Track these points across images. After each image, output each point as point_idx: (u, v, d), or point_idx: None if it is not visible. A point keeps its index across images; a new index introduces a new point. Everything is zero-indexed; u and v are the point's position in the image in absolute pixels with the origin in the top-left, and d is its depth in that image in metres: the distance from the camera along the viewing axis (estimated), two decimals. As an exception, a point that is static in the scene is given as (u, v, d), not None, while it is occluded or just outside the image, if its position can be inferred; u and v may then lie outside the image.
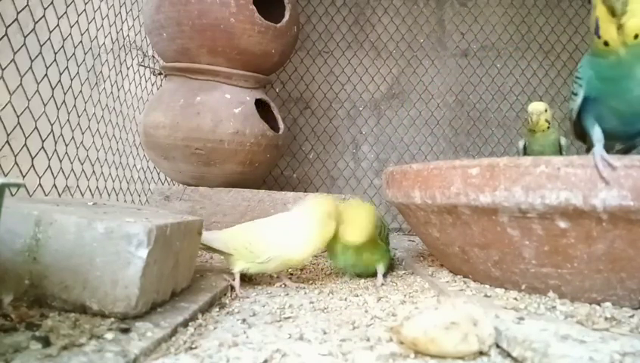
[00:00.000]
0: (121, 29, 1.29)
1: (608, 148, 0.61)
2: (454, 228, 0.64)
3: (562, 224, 0.53)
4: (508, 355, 0.43)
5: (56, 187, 0.96)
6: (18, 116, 0.83)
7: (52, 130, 0.94)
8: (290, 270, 0.80)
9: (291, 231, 0.67)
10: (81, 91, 1.08)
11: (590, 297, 0.56)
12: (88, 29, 1.09)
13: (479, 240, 0.61)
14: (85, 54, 1.11)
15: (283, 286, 0.71)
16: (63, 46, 0.98)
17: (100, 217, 0.49)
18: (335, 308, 0.59)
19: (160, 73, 1.20)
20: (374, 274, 0.77)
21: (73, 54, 1.04)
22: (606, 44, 0.54)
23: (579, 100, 0.63)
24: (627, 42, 0.52)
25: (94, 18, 1.13)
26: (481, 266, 0.64)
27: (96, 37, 1.17)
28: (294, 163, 1.64)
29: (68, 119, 1.01)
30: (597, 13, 0.53)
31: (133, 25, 1.35)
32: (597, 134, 0.59)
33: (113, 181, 1.24)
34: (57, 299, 0.47)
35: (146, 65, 1.36)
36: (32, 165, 0.89)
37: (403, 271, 0.84)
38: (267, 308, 0.58)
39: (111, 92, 1.27)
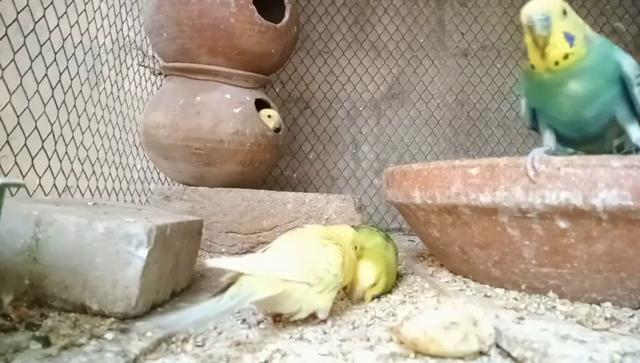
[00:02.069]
0: (121, 29, 1.29)
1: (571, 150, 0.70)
2: (454, 228, 0.64)
3: (562, 224, 0.53)
4: (508, 355, 0.43)
5: (56, 187, 0.96)
6: (18, 116, 0.83)
7: (52, 130, 0.94)
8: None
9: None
10: (81, 91, 1.08)
11: (590, 297, 0.56)
12: (88, 29, 1.09)
13: (479, 240, 0.61)
14: (85, 54, 1.11)
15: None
16: (63, 46, 0.97)
17: (100, 217, 0.49)
18: (335, 308, 0.59)
19: (160, 73, 1.19)
20: None
21: (73, 54, 1.04)
22: (532, 66, 0.61)
23: (523, 108, 0.69)
24: (550, 68, 0.58)
25: (94, 18, 1.13)
26: (481, 266, 0.64)
27: (96, 37, 1.16)
28: (294, 163, 1.64)
29: (68, 119, 1.01)
30: (526, 40, 0.60)
31: (133, 25, 1.35)
32: (546, 138, 0.66)
33: (113, 181, 1.23)
34: (57, 299, 0.47)
35: (146, 65, 1.36)
36: (32, 165, 0.89)
37: (403, 271, 0.84)
38: (267, 308, 0.58)
39: (111, 92, 1.27)
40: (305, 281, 0.49)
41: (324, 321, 0.52)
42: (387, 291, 0.67)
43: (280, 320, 0.52)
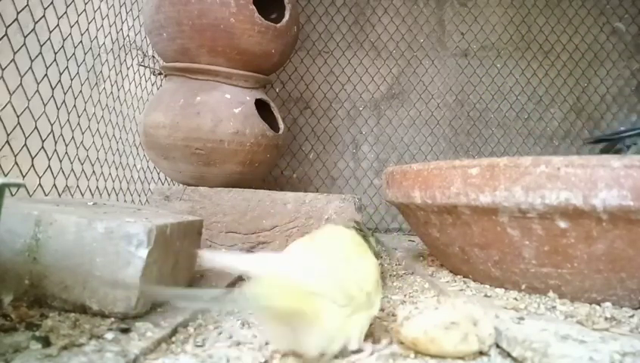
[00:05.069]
0: (121, 29, 1.29)
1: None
2: (454, 228, 0.64)
3: (562, 224, 0.53)
4: (508, 355, 0.43)
5: (56, 187, 0.96)
6: (18, 116, 0.83)
7: (52, 130, 0.94)
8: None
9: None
10: (81, 91, 1.08)
11: (590, 297, 0.56)
12: (88, 29, 1.09)
13: (479, 240, 0.61)
14: (85, 54, 1.11)
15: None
16: (63, 46, 0.97)
17: (100, 217, 0.49)
18: (335, 308, 0.59)
19: (160, 73, 1.19)
20: None
21: (73, 54, 1.04)
22: None
23: None
24: None
25: (94, 18, 1.13)
26: (481, 266, 0.64)
27: (96, 37, 1.16)
28: (294, 163, 1.64)
29: (68, 119, 1.01)
30: None
31: (133, 25, 1.35)
32: None
33: (113, 181, 1.23)
34: (57, 299, 0.47)
35: (146, 65, 1.36)
36: (32, 165, 0.89)
37: (403, 271, 0.84)
38: (267, 308, 0.58)
39: (111, 92, 1.27)
40: (333, 300, 0.36)
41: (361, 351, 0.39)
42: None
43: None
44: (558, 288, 0.57)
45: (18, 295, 0.47)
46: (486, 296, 0.60)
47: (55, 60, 0.95)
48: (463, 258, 0.67)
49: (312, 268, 0.38)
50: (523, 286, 0.60)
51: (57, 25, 0.96)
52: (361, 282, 0.41)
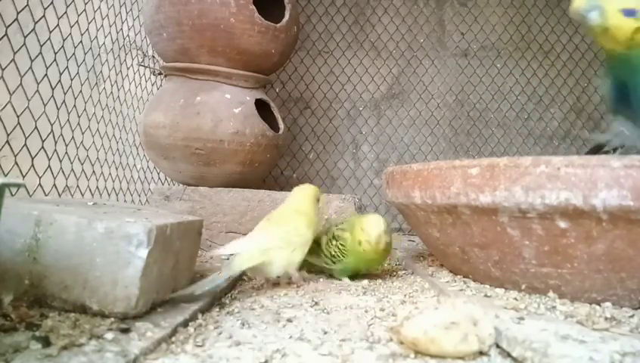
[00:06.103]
0: (121, 29, 1.29)
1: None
2: (454, 228, 0.64)
3: (562, 224, 0.53)
4: (508, 355, 0.43)
5: (56, 187, 0.96)
6: (18, 116, 0.83)
7: (52, 130, 0.94)
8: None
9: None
10: (81, 91, 1.08)
11: (590, 297, 0.56)
12: (88, 29, 1.09)
13: (479, 240, 0.61)
14: (85, 54, 1.11)
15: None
16: (63, 46, 0.97)
17: (100, 217, 0.49)
18: (335, 308, 0.59)
19: (160, 73, 1.19)
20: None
21: (73, 54, 1.04)
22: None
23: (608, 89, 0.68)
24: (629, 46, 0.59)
25: (94, 18, 1.13)
26: (481, 266, 0.64)
27: (96, 37, 1.16)
28: (294, 163, 1.64)
29: (68, 119, 1.01)
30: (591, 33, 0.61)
31: (133, 25, 1.35)
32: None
33: (113, 181, 1.24)
34: (57, 299, 0.47)
35: (146, 65, 1.36)
36: (32, 165, 0.89)
37: (403, 271, 0.84)
38: (267, 308, 0.58)
39: (111, 92, 1.27)
40: (279, 246, 0.66)
41: (298, 285, 0.70)
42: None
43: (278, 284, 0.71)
44: (558, 288, 0.57)
45: (18, 295, 0.47)
46: (486, 296, 0.60)
47: (55, 60, 0.95)
48: (463, 258, 0.67)
49: (266, 234, 0.68)
50: (523, 286, 0.60)
51: (57, 25, 0.96)
52: (294, 230, 0.69)
